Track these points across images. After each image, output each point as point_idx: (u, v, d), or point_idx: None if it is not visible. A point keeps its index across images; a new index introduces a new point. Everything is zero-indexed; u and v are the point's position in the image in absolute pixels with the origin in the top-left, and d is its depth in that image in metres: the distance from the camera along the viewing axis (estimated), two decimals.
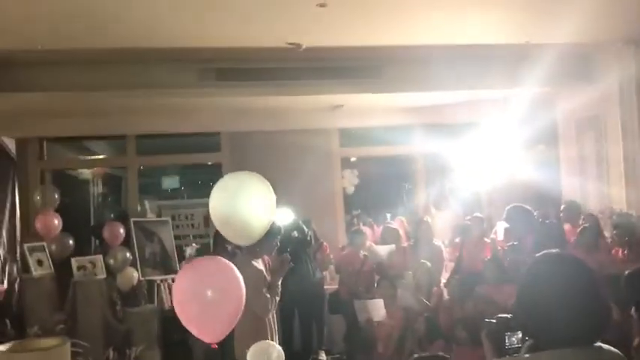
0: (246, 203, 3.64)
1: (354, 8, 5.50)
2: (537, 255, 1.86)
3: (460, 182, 9.08)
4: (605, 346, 1.75)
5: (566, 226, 6.59)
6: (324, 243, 7.59)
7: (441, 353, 2.14)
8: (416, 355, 2.15)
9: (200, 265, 2.95)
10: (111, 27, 5.79)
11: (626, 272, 2.20)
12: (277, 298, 4.51)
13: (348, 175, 9.56)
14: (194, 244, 9.37)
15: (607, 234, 6.44)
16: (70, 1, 5.08)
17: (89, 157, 10.35)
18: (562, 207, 6.83)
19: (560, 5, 5.77)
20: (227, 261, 3.30)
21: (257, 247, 4.42)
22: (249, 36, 6.21)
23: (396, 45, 6.90)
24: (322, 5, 5.17)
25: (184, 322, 2.66)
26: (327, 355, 7.35)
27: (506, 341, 2.03)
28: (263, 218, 3.73)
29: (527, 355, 1.76)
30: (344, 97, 7.93)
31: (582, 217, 6.61)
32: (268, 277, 4.47)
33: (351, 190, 9.55)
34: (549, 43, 6.81)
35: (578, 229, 6.03)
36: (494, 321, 2.10)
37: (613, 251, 5.83)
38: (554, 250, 1.87)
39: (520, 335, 2.03)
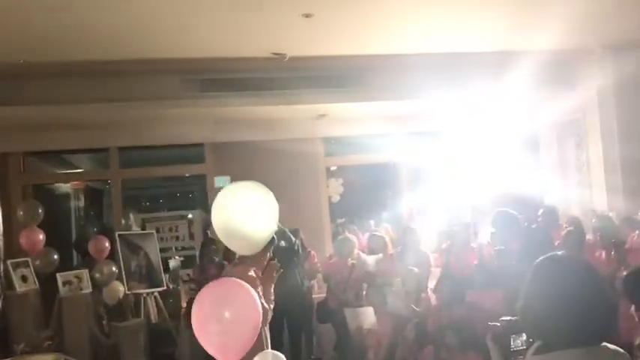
0: (250, 214, 3.62)
1: (339, 18, 5.55)
2: (543, 257, 1.89)
3: (443, 189, 9.15)
4: (611, 346, 1.78)
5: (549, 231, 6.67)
6: (312, 252, 7.59)
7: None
8: None
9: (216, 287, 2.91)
10: (93, 39, 5.76)
11: (624, 273, 2.24)
12: (272, 306, 4.49)
13: (333, 184, 9.58)
14: (177, 257, 9.31)
15: (589, 237, 6.54)
16: (51, 13, 5.05)
17: (71, 171, 10.21)
18: (540, 212, 6.92)
19: (539, 13, 5.89)
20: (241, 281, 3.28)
21: (249, 258, 4.39)
22: (233, 46, 6.23)
23: (379, 54, 6.98)
24: (308, 16, 5.21)
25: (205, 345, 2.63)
26: None
27: (512, 343, 2.05)
28: (268, 227, 3.71)
29: (534, 357, 1.79)
30: (328, 106, 7.96)
31: (566, 220, 6.70)
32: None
33: (336, 198, 9.57)
34: (529, 51, 6.93)
35: (563, 233, 6.11)
36: (498, 324, 2.13)
37: (597, 254, 5.91)
38: (559, 252, 1.90)
39: (525, 337, 2.05)
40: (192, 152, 9.18)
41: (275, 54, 6.36)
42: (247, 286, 3.16)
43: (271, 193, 3.77)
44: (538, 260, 1.89)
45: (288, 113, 8.10)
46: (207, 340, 2.58)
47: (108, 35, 5.67)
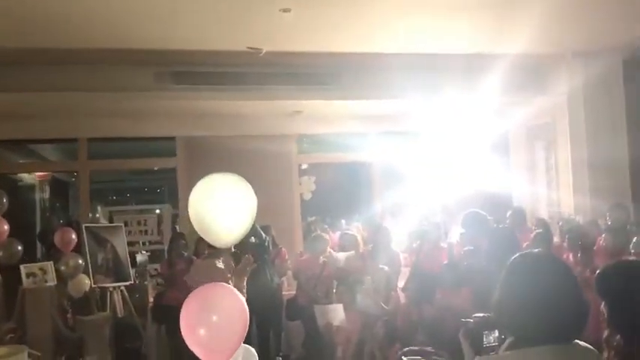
0: (226, 208, 3.59)
1: (317, 15, 5.53)
2: (518, 254, 1.90)
3: (416, 189, 9.23)
4: (582, 344, 1.80)
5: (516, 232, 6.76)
6: (283, 249, 7.56)
7: (428, 348, 2.15)
8: (405, 349, 2.16)
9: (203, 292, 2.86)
10: (63, 27, 5.64)
11: (597, 271, 2.28)
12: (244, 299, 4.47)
13: (306, 182, 9.56)
14: (144, 252, 9.18)
15: (556, 239, 6.67)
16: (20, 0, 4.92)
17: (38, 161, 9.99)
18: (508, 213, 7.02)
19: (512, 18, 5.97)
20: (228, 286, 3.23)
21: (213, 251, 4.41)
22: (209, 39, 6.16)
23: (356, 52, 6.99)
24: (286, 10, 5.17)
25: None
26: None
27: (484, 340, 2.06)
28: (245, 221, 3.70)
29: (507, 353, 1.80)
30: (303, 103, 7.94)
31: (533, 222, 6.81)
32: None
33: (308, 196, 9.55)
34: (502, 54, 7.03)
35: (532, 234, 6.20)
36: (471, 320, 2.14)
37: (565, 255, 6.02)
38: (535, 250, 1.92)
39: (497, 334, 2.07)
40: (164, 146, 9.06)
41: (251, 48, 6.30)
42: (233, 289, 3.13)
43: (250, 187, 3.75)
44: (515, 257, 1.90)
45: (262, 109, 8.06)
46: (194, 342, 2.54)
47: (80, 23, 5.55)
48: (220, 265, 4.54)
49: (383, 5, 5.55)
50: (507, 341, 1.83)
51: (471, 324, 2.12)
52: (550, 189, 8.18)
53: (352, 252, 6.90)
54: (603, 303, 2.13)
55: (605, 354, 2.10)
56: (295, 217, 9.20)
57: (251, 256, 4.55)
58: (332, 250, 7.10)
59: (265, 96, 7.30)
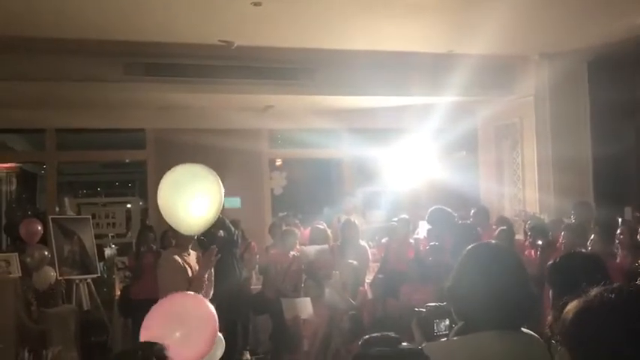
0: (194, 192, 3.63)
1: (288, 10, 5.56)
2: (471, 245, 1.98)
3: (386, 185, 9.33)
4: (528, 331, 1.88)
5: (478, 229, 6.90)
6: (252, 243, 7.57)
7: (392, 333, 2.21)
8: (366, 337, 2.22)
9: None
10: (32, 16, 5.56)
11: (549, 262, 2.37)
12: (209, 292, 4.53)
13: (277, 177, 9.58)
14: (112, 245, 9.09)
15: (519, 236, 6.81)
16: None
17: (4, 152, 9.81)
18: (472, 211, 7.16)
19: (480, 18, 6.07)
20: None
21: (178, 241, 4.44)
22: (180, 31, 6.14)
23: (327, 49, 7.03)
24: (257, 4, 5.19)
25: None
26: (251, 355, 7.33)
27: (435, 328, 2.13)
28: (212, 206, 3.73)
29: (455, 338, 1.87)
30: (275, 98, 7.96)
31: (495, 221, 6.94)
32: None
33: (279, 191, 9.57)
34: (471, 54, 7.15)
35: (496, 232, 6.34)
36: (423, 310, 2.20)
37: (527, 252, 6.16)
38: (488, 241, 2.00)
39: (448, 322, 2.13)
40: (133, 138, 8.99)
41: (222, 41, 6.30)
42: (200, 297, 3.10)
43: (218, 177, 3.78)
44: (470, 246, 1.98)
45: (233, 103, 8.06)
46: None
47: (50, 13, 5.49)
48: (180, 260, 4.57)
49: (352, 2, 5.60)
50: (456, 327, 1.90)
51: (423, 313, 2.19)
52: (516, 187, 8.34)
53: (324, 246, 6.95)
54: (551, 292, 2.21)
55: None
56: (266, 212, 9.22)
57: (216, 247, 4.57)
58: (303, 247, 7.13)
59: (236, 90, 7.30)
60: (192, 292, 3.61)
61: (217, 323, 2.75)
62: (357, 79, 7.73)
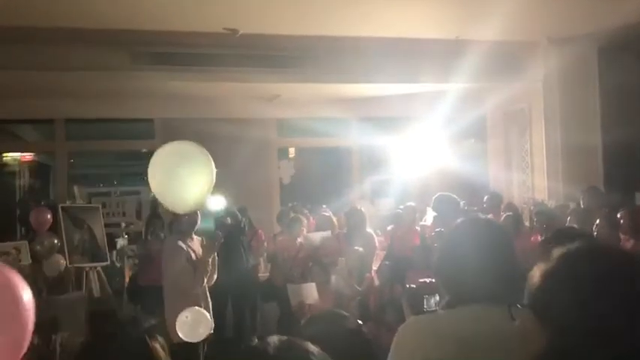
0: (184, 169, 3.66)
1: None
2: (460, 219, 1.97)
3: (395, 173, 9.31)
4: (517, 306, 1.86)
5: (490, 216, 6.87)
6: (260, 231, 7.61)
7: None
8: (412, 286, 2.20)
9: None
10: (40, 5, 5.61)
11: (540, 239, 2.37)
12: (213, 276, 4.61)
13: (285, 166, 9.60)
14: (125, 235, 9.18)
15: (527, 223, 6.77)
16: None
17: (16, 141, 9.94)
18: (485, 198, 7.13)
19: (489, 4, 6.00)
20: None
21: (181, 227, 4.51)
22: (186, 19, 6.15)
23: (333, 35, 7.01)
24: None
25: None
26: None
27: (425, 304, 2.12)
28: (200, 184, 3.76)
29: (441, 312, 1.86)
30: (281, 87, 7.96)
31: (503, 207, 6.92)
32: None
33: (287, 180, 9.59)
34: (479, 40, 7.08)
35: (502, 218, 6.30)
36: (414, 286, 2.20)
37: (532, 238, 6.13)
38: (476, 215, 1.99)
39: (438, 298, 2.13)
40: (142, 128, 9.04)
41: (227, 29, 6.30)
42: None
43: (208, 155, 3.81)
44: (459, 220, 1.97)
45: (241, 92, 8.07)
46: None
47: (57, 2, 5.53)
48: (183, 245, 4.62)
49: None
50: (444, 301, 1.90)
51: (414, 289, 2.19)
52: (525, 174, 8.28)
53: (328, 232, 6.96)
54: None
55: None
56: (274, 201, 9.25)
57: (220, 233, 4.61)
58: (307, 233, 7.14)
59: (242, 78, 7.30)
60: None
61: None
62: (363, 67, 7.71)
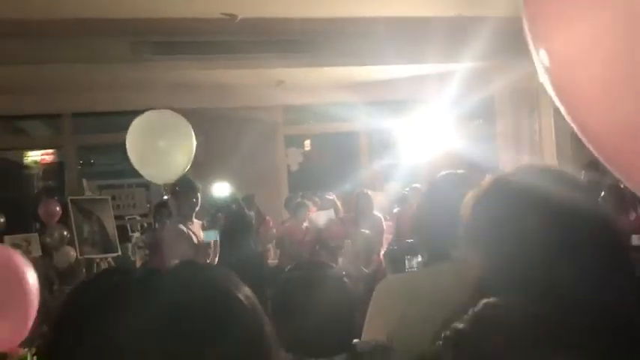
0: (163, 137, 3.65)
1: None
2: (440, 173, 1.91)
3: (402, 157, 9.22)
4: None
5: None
6: (267, 217, 7.59)
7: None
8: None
9: None
10: None
11: None
12: (214, 260, 4.63)
13: (293, 153, 9.57)
14: (139, 227, 9.21)
15: None
16: None
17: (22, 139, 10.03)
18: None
19: None
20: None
21: (182, 210, 4.51)
22: (181, 5, 6.12)
23: (334, 17, 6.94)
24: None
25: None
26: None
27: (407, 264, 2.08)
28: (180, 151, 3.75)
29: (417, 270, 1.82)
30: (285, 72, 7.91)
31: None
32: None
33: (295, 167, 9.56)
34: (483, 17, 6.94)
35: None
36: (396, 248, 2.16)
37: None
38: (456, 170, 1.93)
39: (420, 259, 2.08)
40: None
41: (225, 14, 6.27)
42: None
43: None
44: (439, 174, 1.92)
45: (245, 79, 8.04)
46: None
47: None
48: (184, 228, 4.63)
49: None
50: (422, 260, 1.85)
51: (396, 250, 2.15)
52: (534, 156, 8.15)
53: (330, 212, 6.95)
54: None
55: None
56: (282, 188, 9.23)
57: (230, 225, 4.64)
58: (311, 215, 7.14)
59: (244, 65, 7.27)
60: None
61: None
62: (368, 49, 7.61)
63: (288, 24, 6.91)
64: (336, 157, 10.60)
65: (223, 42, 6.99)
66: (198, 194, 4.71)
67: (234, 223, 6.27)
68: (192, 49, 7.03)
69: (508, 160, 8.50)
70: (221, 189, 6.29)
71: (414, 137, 9.19)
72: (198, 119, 8.65)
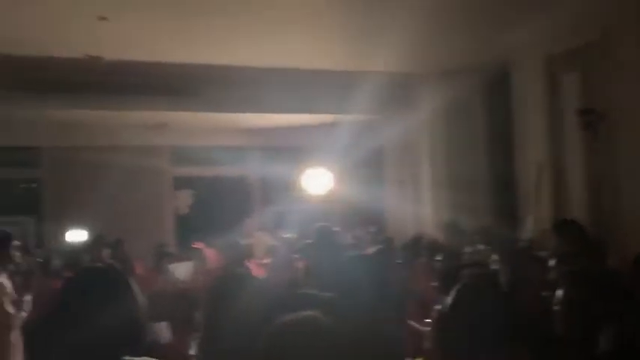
0: None
1: (137, 24, 5.36)
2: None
3: (295, 203, 9.14)
4: None
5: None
6: (135, 265, 7.30)
7: None
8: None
9: None
10: None
11: None
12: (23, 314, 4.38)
13: (183, 195, 9.35)
14: None
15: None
16: None
17: None
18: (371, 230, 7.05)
19: (380, 36, 5.92)
20: None
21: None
22: (45, 44, 5.89)
23: (216, 64, 6.86)
24: (103, 18, 5.01)
25: None
26: None
27: None
28: None
29: None
30: (167, 115, 7.75)
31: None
32: None
33: (185, 210, 9.33)
34: (372, 71, 6.99)
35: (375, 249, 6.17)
36: None
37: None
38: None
39: None
40: (27, 156, 8.66)
41: (88, 56, 6.08)
42: None
43: None
44: None
45: (124, 120, 7.83)
46: None
47: None
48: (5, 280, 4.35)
49: (239, 18, 5.46)
50: None
51: None
52: (417, 205, 8.22)
53: (190, 265, 6.76)
54: None
55: None
56: (168, 232, 8.96)
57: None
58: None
59: (120, 107, 7.08)
60: None
61: None
62: (252, 96, 7.57)
63: (165, 68, 6.79)
64: (228, 202, 10.42)
65: (95, 82, 6.78)
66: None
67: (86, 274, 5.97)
68: (64, 87, 6.78)
69: (394, 207, 8.58)
70: (73, 235, 6.00)
71: (305, 183, 9.15)
72: (82, 159, 8.39)
